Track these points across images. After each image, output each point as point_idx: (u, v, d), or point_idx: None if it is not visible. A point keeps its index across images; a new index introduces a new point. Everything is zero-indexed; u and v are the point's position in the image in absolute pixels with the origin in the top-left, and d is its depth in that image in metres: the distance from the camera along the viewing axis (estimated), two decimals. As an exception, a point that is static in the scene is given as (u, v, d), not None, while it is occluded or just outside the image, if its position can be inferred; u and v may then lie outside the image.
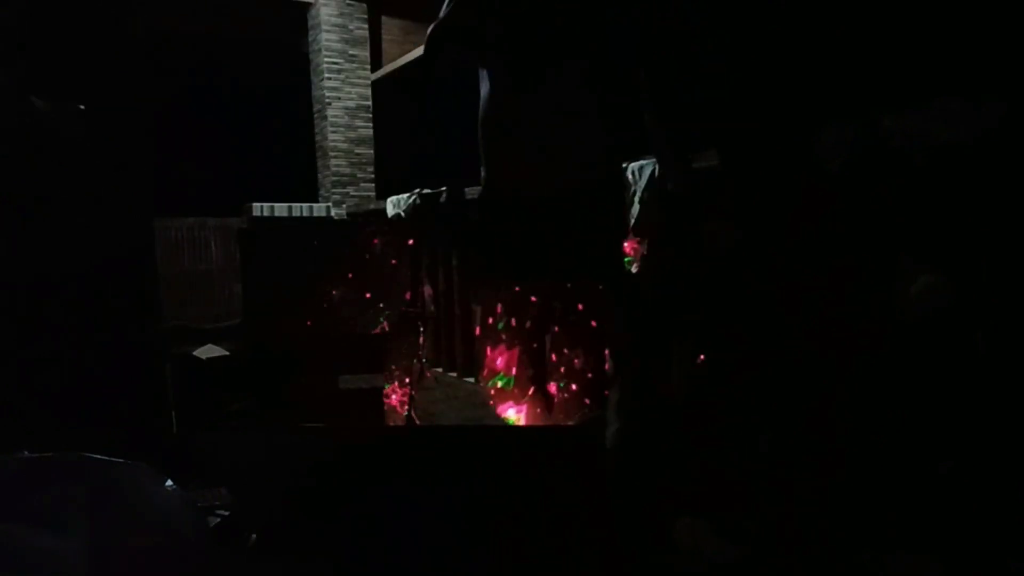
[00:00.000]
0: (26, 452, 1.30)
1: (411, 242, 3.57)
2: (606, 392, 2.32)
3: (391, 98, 6.83)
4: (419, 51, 6.25)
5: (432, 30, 1.92)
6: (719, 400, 1.40)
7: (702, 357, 1.52)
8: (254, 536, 1.41)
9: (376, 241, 2.83)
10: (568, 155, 1.76)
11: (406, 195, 4.69)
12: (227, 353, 3.37)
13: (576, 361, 2.22)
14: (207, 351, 3.39)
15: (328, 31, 6.48)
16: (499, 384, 2.30)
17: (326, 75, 6.50)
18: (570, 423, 2.22)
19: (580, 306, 2.11)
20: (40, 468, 1.27)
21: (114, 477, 1.29)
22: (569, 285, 1.97)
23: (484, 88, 1.87)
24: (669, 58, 1.92)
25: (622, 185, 1.65)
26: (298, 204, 6.28)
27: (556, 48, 1.78)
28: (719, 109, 1.44)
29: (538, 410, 2.31)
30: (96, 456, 1.28)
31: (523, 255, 1.85)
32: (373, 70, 6.73)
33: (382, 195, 5.98)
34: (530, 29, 1.79)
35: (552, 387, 2.41)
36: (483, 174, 1.90)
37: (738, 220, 1.35)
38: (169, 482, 1.34)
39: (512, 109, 1.81)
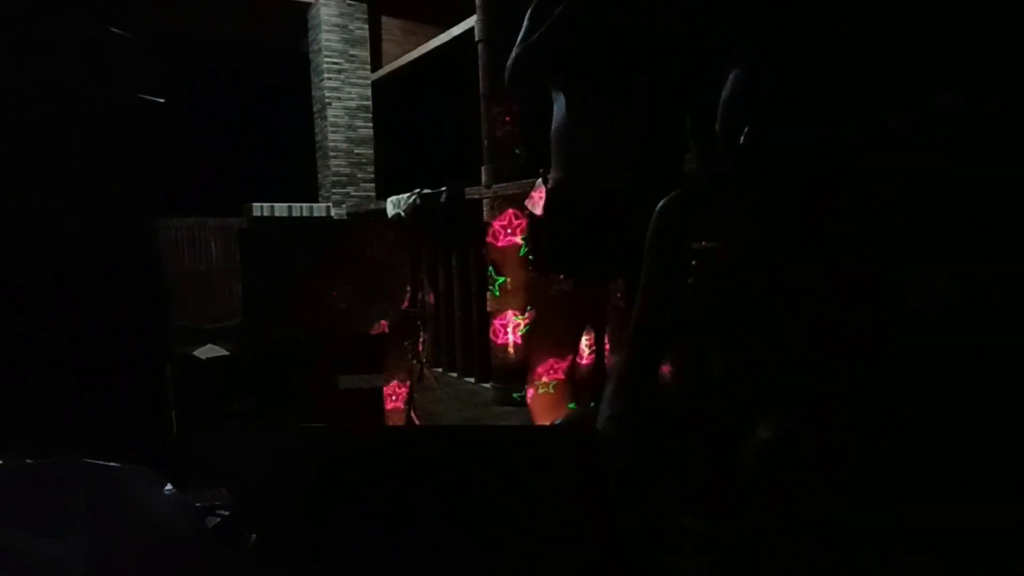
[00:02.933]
0: (26, 457, 1.30)
1: (411, 242, 3.57)
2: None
3: (391, 98, 6.83)
4: (418, 51, 6.27)
5: (519, 56, 2.00)
6: (722, 399, 1.40)
7: (706, 356, 1.52)
8: (254, 536, 1.41)
9: (376, 241, 2.83)
10: (615, 153, 1.94)
11: (406, 195, 4.70)
12: (227, 353, 3.37)
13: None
14: (207, 351, 3.40)
15: (328, 31, 6.48)
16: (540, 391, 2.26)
17: (326, 75, 6.51)
18: (568, 419, 2.21)
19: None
20: (39, 473, 1.27)
21: (113, 482, 1.28)
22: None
23: (559, 102, 2.05)
24: (671, 59, 1.93)
25: (657, 183, 1.68)
26: (298, 204, 6.29)
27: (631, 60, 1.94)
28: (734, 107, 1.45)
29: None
30: (94, 462, 1.28)
31: (586, 249, 1.99)
32: (373, 70, 6.73)
33: (382, 195, 5.99)
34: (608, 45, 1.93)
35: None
36: (553, 175, 2.09)
37: (750, 222, 1.35)
38: (168, 486, 1.34)
39: (578, 117, 2.00)
